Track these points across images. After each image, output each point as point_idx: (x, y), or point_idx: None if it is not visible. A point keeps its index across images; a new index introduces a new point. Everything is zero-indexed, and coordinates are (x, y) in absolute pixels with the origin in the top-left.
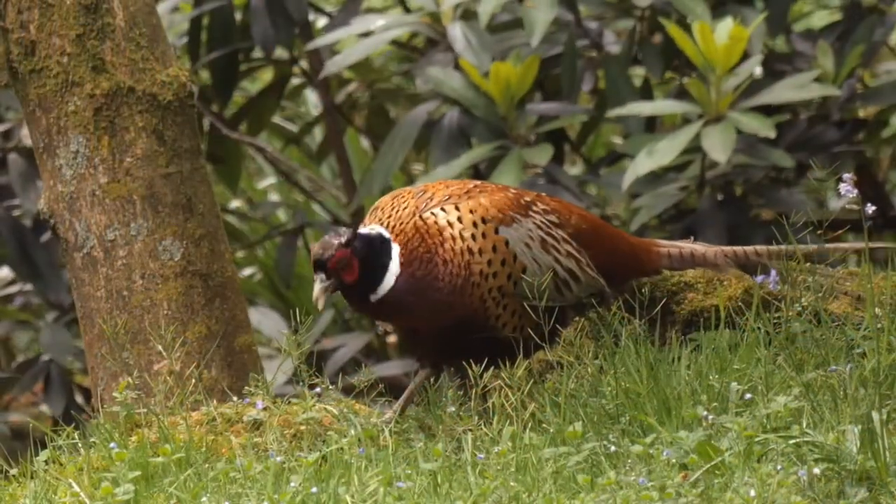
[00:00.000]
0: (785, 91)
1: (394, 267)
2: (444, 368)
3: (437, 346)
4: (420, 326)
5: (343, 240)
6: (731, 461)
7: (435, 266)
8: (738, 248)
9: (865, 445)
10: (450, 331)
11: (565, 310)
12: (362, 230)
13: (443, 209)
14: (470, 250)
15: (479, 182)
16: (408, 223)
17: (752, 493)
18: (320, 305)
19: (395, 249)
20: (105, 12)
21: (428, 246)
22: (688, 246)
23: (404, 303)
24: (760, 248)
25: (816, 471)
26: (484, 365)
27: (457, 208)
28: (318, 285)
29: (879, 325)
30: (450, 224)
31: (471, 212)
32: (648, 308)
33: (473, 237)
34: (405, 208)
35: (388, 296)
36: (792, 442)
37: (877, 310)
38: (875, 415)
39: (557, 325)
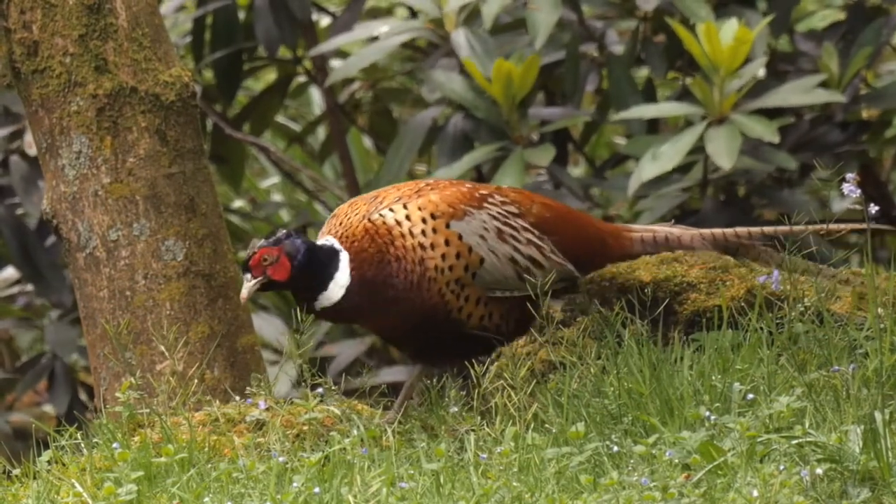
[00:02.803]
0: (790, 94)
1: (342, 278)
2: (437, 364)
3: (410, 345)
4: (384, 325)
5: (271, 239)
6: (733, 461)
7: (387, 265)
8: (717, 231)
9: (868, 446)
10: (417, 328)
11: (529, 308)
12: (316, 241)
13: (391, 209)
14: (422, 246)
15: (431, 181)
16: (357, 227)
17: (755, 493)
18: (242, 301)
19: (345, 260)
20: (107, 12)
21: (378, 246)
22: (662, 230)
23: (360, 306)
24: (741, 229)
25: (819, 471)
26: (464, 358)
27: (405, 207)
28: (245, 287)
29: (882, 326)
30: (398, 223)
31: (419, 209)
32: (651, 308)
33: (424, 233)
34: (356, 214)
35: (341, 303)
36: (794, 442)
37: (879, 310)
38: (878, 415)
39: (528, 313)
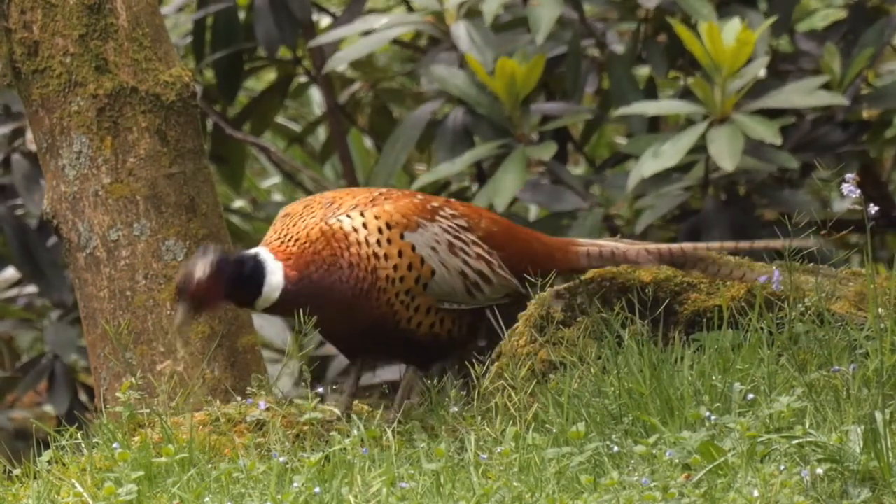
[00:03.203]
0: (792, 95)
1: (274, 281)
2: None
3: (359, 349)
4: (332, 327)
5: (207, 269)
6: (734, 461)
7: (339, 269)
8: (663, 246)
9: (868, 446)
10: (365, 334)
11: (482, 310)
12: (237, 255)
13: (348, 216)
14: (376, 255)
15: (385, 189)
16: (313, 228)
17: (756, 493)
18: (181, 332)
19: (273, 265)
20: (108, 12)
21: (333, 249)
22: (609, 244)
23: (299, 304)
24: (687, 244)
25: (819, 471)
26: (417, 363)
27: (362, 215)
28: (180, 315)
29: (882, 326)
30: (355, 230)
31: (375, 218)
32: (651, 308)
33: (378, 242)
34: (312, 217)
35: (278, 303)
36: (795, 442)
37: (880, 310)
38: (878, 415)
39: (481, 318)
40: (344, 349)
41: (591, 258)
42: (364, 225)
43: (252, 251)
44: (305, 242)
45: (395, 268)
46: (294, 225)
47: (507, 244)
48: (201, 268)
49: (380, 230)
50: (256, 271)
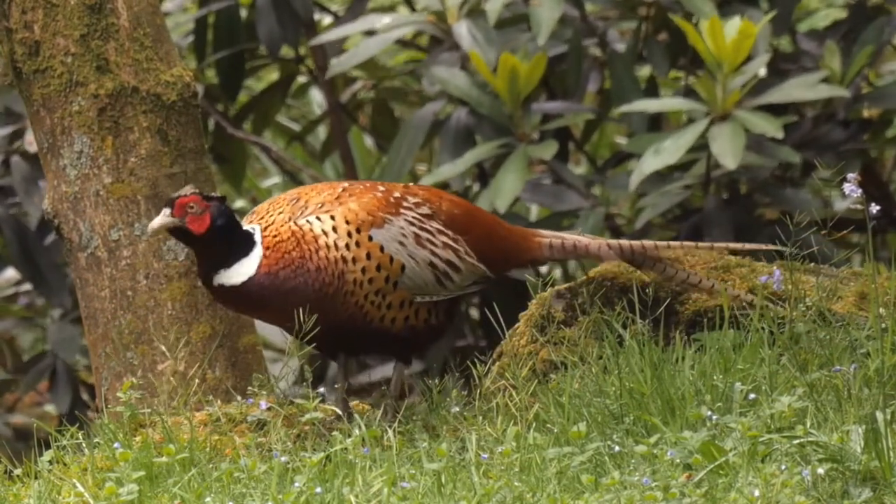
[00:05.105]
0: (793, 90)
1: (248, 266)
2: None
3: (339, 347)
4: (287, 325)
5: (211, 197)
6: (735, 461)
7: (306, 271)
8: (624, 242)
9: (869, 445)
10: (338, 333)
11: (456, 298)
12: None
13: (318, 217)
14: (343, 259)
15: (347, 185)
16: (283, 227)
17: (756, 493)
18: (149, 232)
19: (258, 251)
20: (109, 12)
21: (302, 251)
22: (571, 237)
23: (262, 297)
24: (648, 242)
25: (820, 471)
26: (403, 355)
27: (332, 217)
28: (160, 217)
29: (883, 326)
30: (324, 233)
31: (346, 221)
32: (652, 308)
33: (347, 246)
34: (280, 213)
35: (239, 289)
36: (796, 442)
37: (881, 310)
38: (879, 415)
39: (457, 303)
40: (320, 347)
41: (553, 249)
42: (334, 228)
43: (251, 228)
44: (279, 241)
45: (364, 270)
46: (262, 220)
47: (471, 227)
48: (203, 194)
49: (349, 234)
50: (245, 242)
